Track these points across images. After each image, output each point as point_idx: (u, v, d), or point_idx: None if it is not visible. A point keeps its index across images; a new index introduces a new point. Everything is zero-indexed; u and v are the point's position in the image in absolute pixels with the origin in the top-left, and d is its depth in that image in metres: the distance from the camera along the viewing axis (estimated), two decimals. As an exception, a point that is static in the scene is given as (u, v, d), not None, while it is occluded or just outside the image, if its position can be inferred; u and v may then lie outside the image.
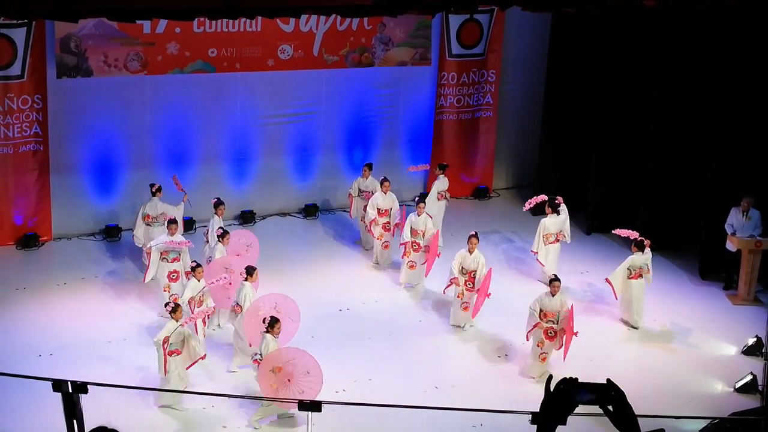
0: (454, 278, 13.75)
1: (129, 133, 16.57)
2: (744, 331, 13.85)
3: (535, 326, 12.51)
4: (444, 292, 14.06)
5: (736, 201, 14.87)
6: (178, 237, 14.12)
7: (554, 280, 12.59)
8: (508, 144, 19.61)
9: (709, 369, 13.16)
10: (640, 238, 14.15)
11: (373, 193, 16.04)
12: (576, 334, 12.40)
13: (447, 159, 18.70)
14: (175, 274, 13.83)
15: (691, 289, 15.47)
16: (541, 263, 15.04)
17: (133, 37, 15.88)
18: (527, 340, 12.68)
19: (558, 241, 15.14)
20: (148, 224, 15.05)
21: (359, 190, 16.48)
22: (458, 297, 13.83)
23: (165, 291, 13.76)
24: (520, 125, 19.52)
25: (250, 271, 12.76)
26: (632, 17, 15.94)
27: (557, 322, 12.48)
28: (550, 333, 12.46)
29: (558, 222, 15.09)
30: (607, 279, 14.05)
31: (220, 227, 14.20)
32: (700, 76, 15.78)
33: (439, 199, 16.42)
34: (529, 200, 15.55)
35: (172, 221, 14.21)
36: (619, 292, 14.00)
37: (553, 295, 12.49)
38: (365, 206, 15.89)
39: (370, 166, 16.75)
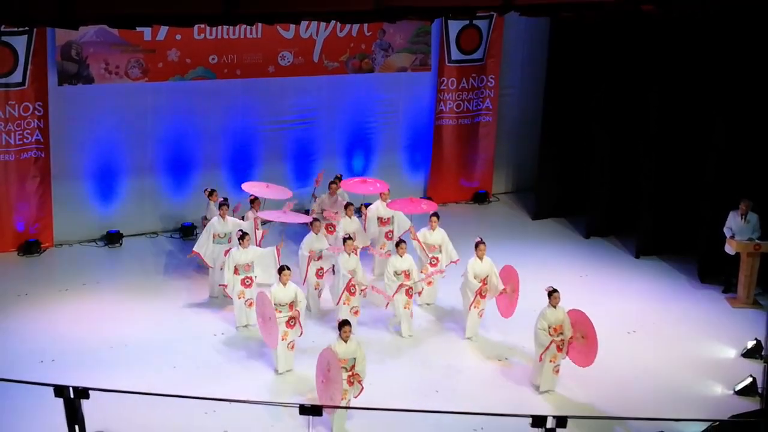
0: (478, 290, 13.58)
1: (130, 140, 16.64)
2: (743, 334, 13.88)
3: (549, 345, 12.27)
4: (470, 309, 13.70)
5: (734, 204, 14.92)
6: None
7: (554, 292, 12.37)
8: (508, 149, 19.68)
9: (708, 372, 13.18)
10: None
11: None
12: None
13: (446, 164, 18.93)
14: (249, 280, 13.85)
15: (691, 293, 15.51)
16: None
17: (133, 44, 15.95)
18: (540, 361, 12.43)
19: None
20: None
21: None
22: (475, 307, 13.74)
23: (239, 298, 13.85)
24: (519, 130, 19.59)
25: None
26: (631, 21, 16.00)
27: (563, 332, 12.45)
28: (561, 345, 12.34)
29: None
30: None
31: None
32: (699, 79, 15.82)
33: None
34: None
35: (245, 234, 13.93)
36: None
37: (554, 307, 12.37)
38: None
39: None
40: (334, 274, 14.09)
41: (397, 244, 13.93)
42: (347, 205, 15.23)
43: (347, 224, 15.05)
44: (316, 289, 14.39)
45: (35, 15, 9.09)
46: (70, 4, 8.92)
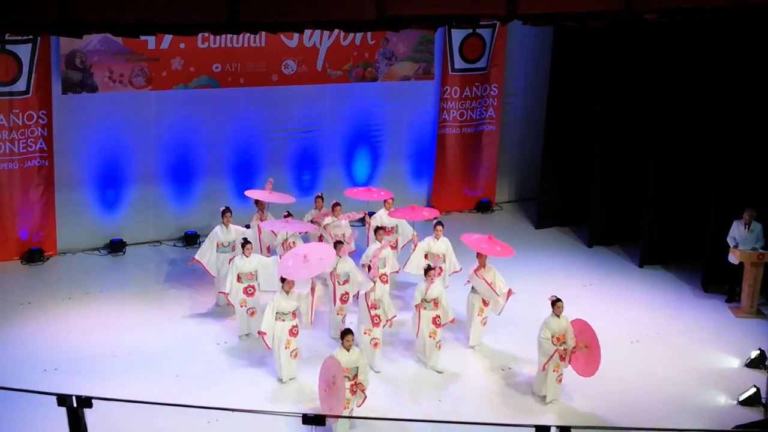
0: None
1: (134, 148, 16.66)
2: (747, 344, 13.87)
3: (553, 355, 12.21)
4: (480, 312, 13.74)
5: (738, 214, 14.91)
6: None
7: (557, 301, 12.31)
8: (511, 157, 19.70)
9: (712, 382, 13.16)
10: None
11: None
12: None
13: (450, 173, 19.02)
14: (252, 289, 13.80)
15: (694, 302, 15.50)
16: None
17: (137, 53, 15.98)
18: (543, 370, 12.34)
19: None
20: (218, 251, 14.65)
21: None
22: (478, 314, 13.68)
23: (242, 306, 13.80)
24: (522, 138, 19.61)
25: None
26: (634, 29, 16.01)
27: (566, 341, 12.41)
28: (564, 354, 12.30)
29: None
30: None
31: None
32: (703, 87, 15.84)
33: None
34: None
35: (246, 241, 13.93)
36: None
37: (558, 317, 12.31)
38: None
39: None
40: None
41: (426, 272, 13.24)
42: (377, 230, 14.59)
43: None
44: (338, 314, 13.85)
45: (39, 23, 9.09)
46: (73, 13, 8.93)
